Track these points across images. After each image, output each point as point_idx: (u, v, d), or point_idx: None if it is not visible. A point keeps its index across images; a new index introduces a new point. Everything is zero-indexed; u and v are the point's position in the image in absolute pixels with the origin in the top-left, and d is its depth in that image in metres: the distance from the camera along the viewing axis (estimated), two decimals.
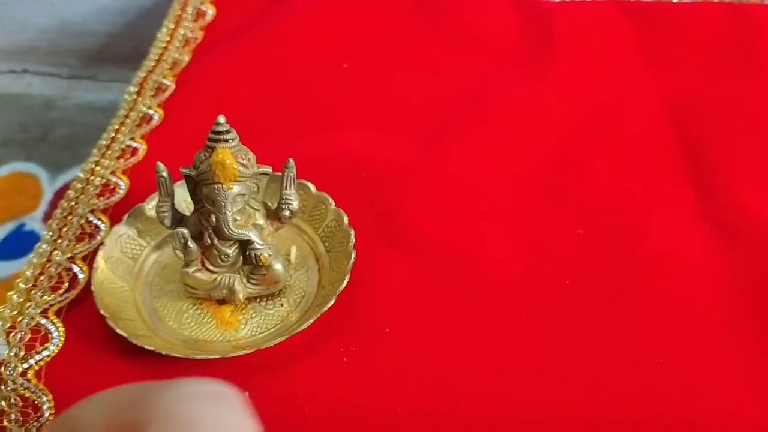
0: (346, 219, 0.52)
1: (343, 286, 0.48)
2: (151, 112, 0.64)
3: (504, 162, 0.60)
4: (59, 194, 0.87)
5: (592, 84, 0.66)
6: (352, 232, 0.51)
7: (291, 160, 0.49)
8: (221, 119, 0.46)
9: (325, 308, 0.47)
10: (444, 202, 0.57)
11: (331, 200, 0.53)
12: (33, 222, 0.85)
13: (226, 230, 0.47)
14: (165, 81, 0.68)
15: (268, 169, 0.48)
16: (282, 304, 0.50)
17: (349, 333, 0.48)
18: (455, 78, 0.68)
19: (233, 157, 0.46)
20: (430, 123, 0.63)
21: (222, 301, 0.50)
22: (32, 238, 0.82)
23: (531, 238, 0.54)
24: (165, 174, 0.48)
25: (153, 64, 0.70)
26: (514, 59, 0.69)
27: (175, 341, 0.48)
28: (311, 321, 0.47)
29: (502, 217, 0.55)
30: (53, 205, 0.86)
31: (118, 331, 0.46)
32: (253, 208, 0.49)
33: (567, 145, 0.61)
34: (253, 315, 0.50)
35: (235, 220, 0.48)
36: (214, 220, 0.47)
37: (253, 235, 0.48)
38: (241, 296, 0.49)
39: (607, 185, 0.58)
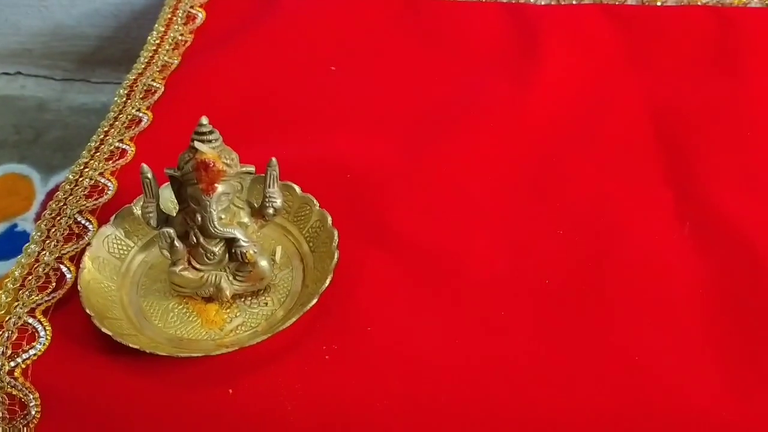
0: (330, 220, 0.52)
1: (326, 285, 0.49)
2: (140, 114, 0.65)
3: (487, 164, 0.60)
4: (51, 195, 0.87)
5: (575, 87, 0.67)
6: (336, 233, 0.51)
7: (273, 159, 0.49)
8: (204, 120, 0.47)
9: (307, 307, 0.48)
10: (427, 204, 0.57)
11: (315, 201, 0.54)
12: (25, 223, 0.86)
13: (211, 229, 0.48)
14: (154, 84, 0.68)
15: (252, 168, 0.48)
16: (266, 303, 0.51)
17: (331, 331, 0.49)
18: (441, 81, 0.68)
19: (217, 157, 0.47)
20: (415, 126, 0.64)
21: (208, 300, 0.51)
22: (24, 239, 0.82)
23: (512, 239, 0.55)
24: (150, 175, 0.48)
25: (143, 66, 0.70)
26: (500, 62, 0.70)
27: (161, 340, 0.49)
28: (293, 319, 0.47)
29: (484, 217, 0.56)
30: (45, 206, 0.86)
31: (104, 330, 0.47)
32: (238, 207, 0.49)
33: (549, 147, 0.62)
34: (238, 314, 0.50)
35: (220, 218, 0.48)
36: (199, 219, 0.48)
37: (238, 233, 0.49)
38: (227, 293, 0.50)
39: (588, 187, 0.58)
